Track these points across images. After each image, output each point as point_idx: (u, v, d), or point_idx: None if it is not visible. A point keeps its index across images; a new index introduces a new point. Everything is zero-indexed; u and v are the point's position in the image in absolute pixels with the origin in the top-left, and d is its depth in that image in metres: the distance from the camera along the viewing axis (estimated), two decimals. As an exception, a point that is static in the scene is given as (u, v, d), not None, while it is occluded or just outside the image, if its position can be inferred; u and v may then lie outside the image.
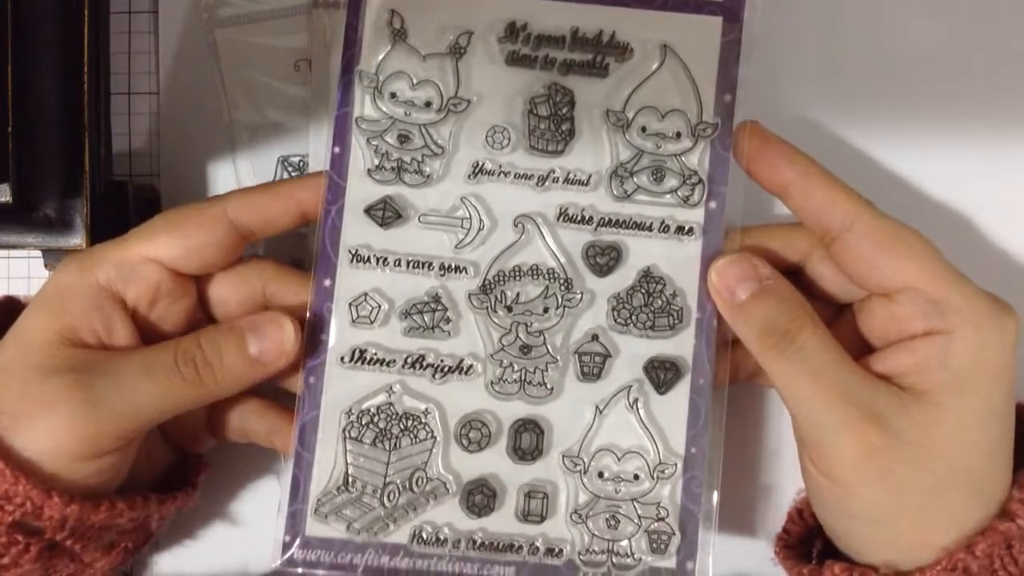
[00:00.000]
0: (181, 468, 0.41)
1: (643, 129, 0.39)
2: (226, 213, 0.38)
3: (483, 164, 0.39)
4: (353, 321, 0.38)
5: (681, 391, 0.39)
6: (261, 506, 0.43)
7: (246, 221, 0.38)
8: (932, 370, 0.35)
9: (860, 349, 0.38)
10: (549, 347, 0.39)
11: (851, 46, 0.44)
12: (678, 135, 0.39)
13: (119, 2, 0.45)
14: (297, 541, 0.38)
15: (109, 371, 0.36)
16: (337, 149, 0.39)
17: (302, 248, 0.43)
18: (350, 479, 0.38)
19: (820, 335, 0.36)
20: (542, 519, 0.39)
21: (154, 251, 0.37)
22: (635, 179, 0.39)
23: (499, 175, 0.39)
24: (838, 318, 0.40)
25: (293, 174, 0.45)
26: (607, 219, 0.39)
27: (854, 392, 0.36)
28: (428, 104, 0.39)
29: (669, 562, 0.39)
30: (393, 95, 0.39)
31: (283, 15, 0.44)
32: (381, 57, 0.39)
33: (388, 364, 0.38)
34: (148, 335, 0.38)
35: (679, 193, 0.39)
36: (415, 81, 0.39)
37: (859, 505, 0.36)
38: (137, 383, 0.36)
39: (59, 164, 0.40)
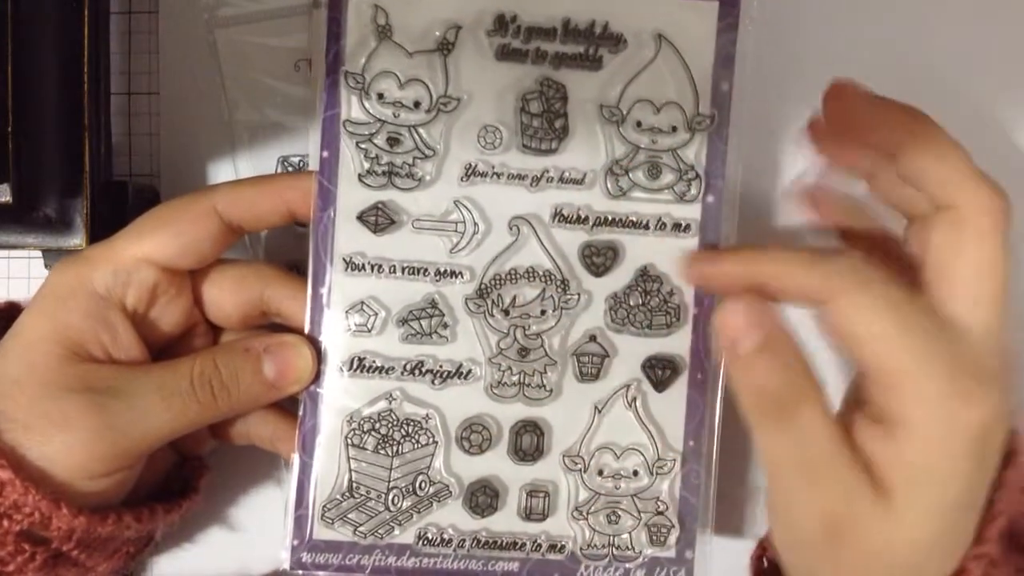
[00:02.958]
0: (182, 470, 0.41)
1: (638, 124, 0.38)
2: (215, 208, 0.38)
3: (475, 166, 0.38)
4: (350, 329, 0.38)
5: (679, 388, 0.39)
6: (259, 510, 0.44)
7: (235, 217, 0.38)
8: (891, 467, 0.33)
9: None
10: (547, 349, 0.39)
11: (853, 30, 0.43)
12: (674, 128, 0.38)
13: (119, 2, 0.44)
14: (305, 545, 0.38)
15: (123, 392, 0.36)
16: (326, 153, 0.38)
17: (301, 249, 0.43)
18: (354, 485, 0.38)
19: (820, 414, 0.34)
20: (544, 517, 0.39)
21: (148, 251, 0.37)
22: (631, 176, 0.39)
23: (492, 176, 0.38)
24: None
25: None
26: (603, 218, 0.39)
27: (832, 483, 0.33)
28: (417, 104, 0.38)
29: (668, 552, 0.39)
30: (381, 96, 0.38)
31: (283, 15, 0.43)
32: (367, 56, 0.38)
33: (387, 372, 0.38)
34: (148, 335, 0.39)
35: (676, 189, 0.39)
36: (403, 80, 0.38)
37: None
38: (152, 406, 0.36)
39: (59, 164, 0.40)
